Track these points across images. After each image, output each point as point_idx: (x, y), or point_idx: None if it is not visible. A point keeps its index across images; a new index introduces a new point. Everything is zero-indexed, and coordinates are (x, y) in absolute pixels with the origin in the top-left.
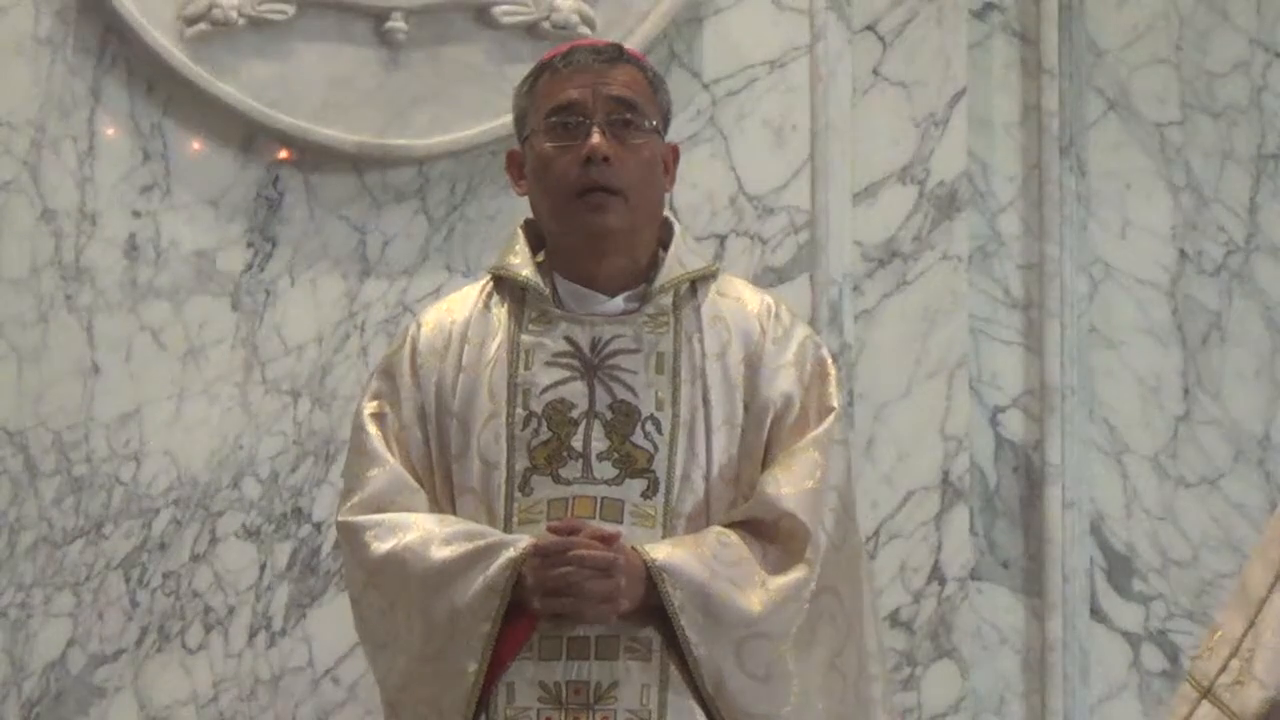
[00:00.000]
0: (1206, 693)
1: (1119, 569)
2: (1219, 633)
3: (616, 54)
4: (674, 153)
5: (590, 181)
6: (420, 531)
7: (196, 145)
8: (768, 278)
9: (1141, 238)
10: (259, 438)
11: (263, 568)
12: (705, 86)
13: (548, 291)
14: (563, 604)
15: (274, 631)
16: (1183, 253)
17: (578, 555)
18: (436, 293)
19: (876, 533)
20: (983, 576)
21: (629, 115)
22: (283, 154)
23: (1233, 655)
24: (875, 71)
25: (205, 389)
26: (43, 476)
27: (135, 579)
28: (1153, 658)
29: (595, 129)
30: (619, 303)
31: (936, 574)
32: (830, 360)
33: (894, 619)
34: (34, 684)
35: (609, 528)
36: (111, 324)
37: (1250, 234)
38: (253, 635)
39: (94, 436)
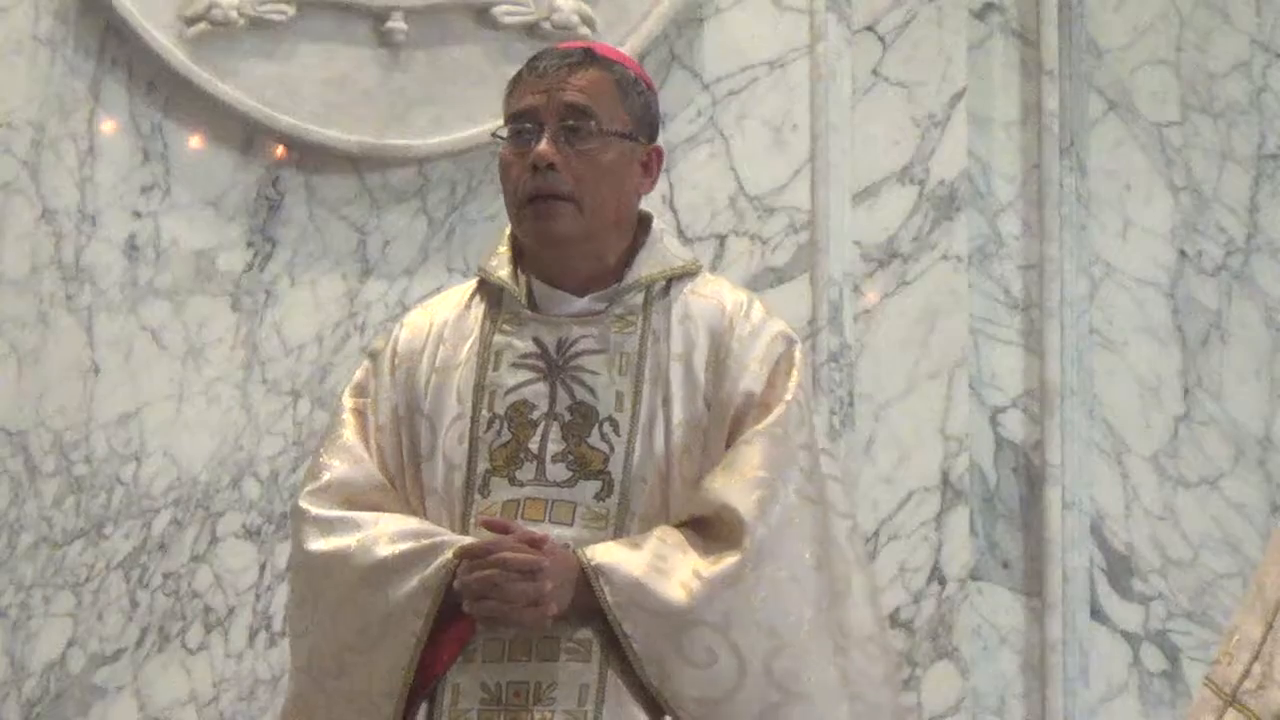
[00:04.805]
0: (1232, 700)
1: (1119, 569)
2: (1236, 636)
3: (582, 58)
4: (655, 154)
5: (535, 189)
6: (373, 529)
7: (196, 145)
8: (768, 278)
9: (1141, 238)
10: (259, 438)
11: (263, 568)
12: (705, 86)
13: (521, 293)
14: (488, 607)
15: (274, 632)
16: (1183, 253)
17: (501, 558)
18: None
19: (876, 533)
20: (983, 576)
21: (585, 122)
22: (282, 153)
23: (1254, 660)
24: (875, 71)
25: (205, 389)
26: (43, 477)
27: (135, 579)
28: (1153, 658)
29: (545, 136)
30: (585, 303)
31: (936, 574)
32: (799, 354)
33: (894, 619)
34: (34, 684)
35: (539, 530)
36: (111, 324)
37: (1250, 234)
38: (253, 635)
39: (94, 436)
